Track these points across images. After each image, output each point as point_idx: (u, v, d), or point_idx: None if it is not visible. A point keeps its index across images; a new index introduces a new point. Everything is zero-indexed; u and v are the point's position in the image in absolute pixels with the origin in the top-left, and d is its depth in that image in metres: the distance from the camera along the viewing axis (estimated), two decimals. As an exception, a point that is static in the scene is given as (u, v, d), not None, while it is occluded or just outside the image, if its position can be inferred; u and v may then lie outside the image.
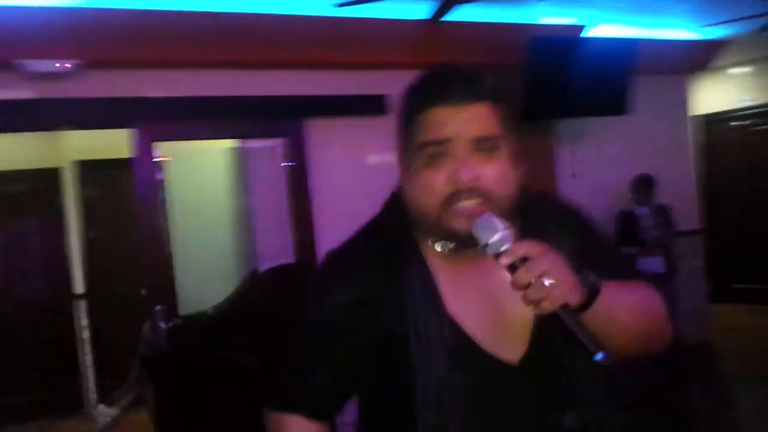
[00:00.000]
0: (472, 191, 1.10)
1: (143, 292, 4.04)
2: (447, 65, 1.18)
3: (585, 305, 1.06)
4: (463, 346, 1.15)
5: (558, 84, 4.17)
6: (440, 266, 1.19)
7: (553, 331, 1.09)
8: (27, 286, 6.11)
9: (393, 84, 4.31)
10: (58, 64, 3.29)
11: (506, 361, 1.15)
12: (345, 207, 4.03)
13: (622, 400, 1.27)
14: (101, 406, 5.25)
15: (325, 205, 4.11)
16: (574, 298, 1.03)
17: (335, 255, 1.25)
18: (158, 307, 3.82)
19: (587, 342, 1.01)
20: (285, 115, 3.98)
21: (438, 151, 1.11)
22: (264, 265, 4.24)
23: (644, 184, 5.26)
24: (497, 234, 1.05)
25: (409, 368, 1.13)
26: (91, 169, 5.81)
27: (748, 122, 7.27)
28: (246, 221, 4.27)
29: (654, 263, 5.26)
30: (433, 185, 1.11)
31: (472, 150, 1.11)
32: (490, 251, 1.05)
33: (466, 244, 1.12)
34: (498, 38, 4.28)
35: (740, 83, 7.18)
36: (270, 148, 4.13)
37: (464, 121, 1.12)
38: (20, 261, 6.09)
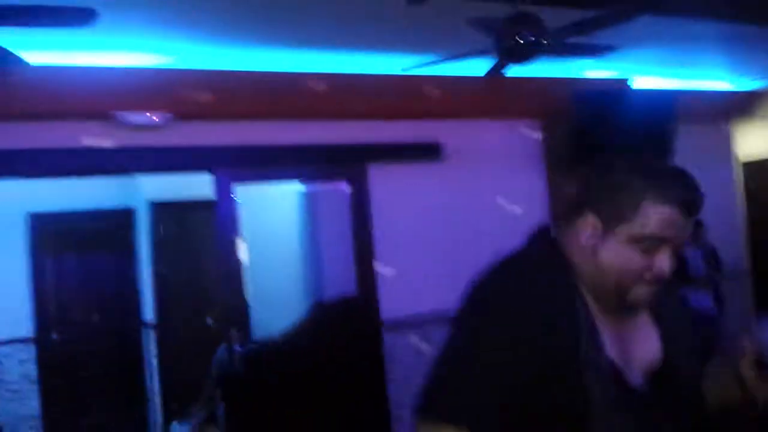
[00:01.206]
0: (660, 281, 1.25)
1: (210, 322, 4.36)
2: (679, 169, 1.29)
3: None
4: (618, 382, 1.26)
5: (603, 133, 4.43)
6: (596, 310, 1.29)
7: (670, 371, 1.31)
8: (102, 315, 6.53)
9: (447, 133, 4.67)
10: (155, 117, 3.72)
11: (636, 387, 1.28)
12: (403, 244, 4.37)
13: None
14: (175, 424, 5.56)
15: (385, 242, 4.43)
16: None
17: (499, 281, 1.30)
18: (234, 331, 4.13)
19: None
20: (349, 161, 4.34)
21: (656, 246, 1.22)
22: (329, 297, 4.57)
23: (695, 227, 5.41)
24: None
25: (576, 393, 1.21)
26: (163, 209, 6.24)
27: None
28: (313, 257, 4.62)
29: (703, 299, 5.40)
30: (636, 265, 1.23)
31: (673, 250, 1.25)
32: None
33: (631, 311, 1.30)
34: (547, 92, 4.61)
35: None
36: (336, 190, 4.48)
37: (685, 227, 1.24)
38: (96, 293, 6.53)
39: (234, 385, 4.21)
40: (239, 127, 4.16)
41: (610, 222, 1.24)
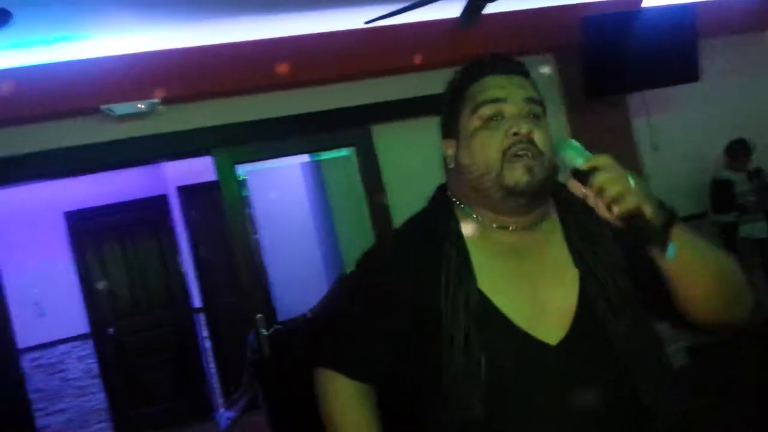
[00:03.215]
0: (528, 144, 1.18)
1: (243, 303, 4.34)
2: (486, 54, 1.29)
3: (665, 226, 1.07)
4: (494, 322, 1.16)
5: (619, 58, 4.12)
6: (478, 247, 1.23)
7: (594, 315, 1.16)
8: (152, 304, 6.67)
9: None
10: (140, 105, 3.64)
11: (543, 342, 1.15)
12: (420, 202, 4.18)
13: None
14: (222, 411, 5.67)
15: (400, 204, 4.26)
16: (648, 209, 1.05)
17: (383, 237, 1.39)
18: (259, 315, 4.09)
19: (658, 241, 1.04)
20: (352, 124, 4.17)
21: (494, 110, 1.20)
22: (350, 268, 4.46)
23: (740, 149, 5.04)
24: (572, 150, 1.11)
25: (440, 341, 1.15)
26: (191, 193, 6.26)
27: None
28: (329, 228, 4.50)
29: (756, 229, 5.06)
30: (492, 141, 1.19)
31: (523, 113, 1.21)
32: (568, 167, 1.11)
33: (522, 199, 1.18)
34: (551, 22, 4.29)
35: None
36: (343, 157, 4.33)
37: (515, 86, 1.23)
38: (143, 282, 6.66)
39: (266, 368, 4.18)
40: (234, 103, 4.04)
41: (454, 129, 1.26)
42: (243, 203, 4.07)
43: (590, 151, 1.11)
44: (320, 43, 4.01)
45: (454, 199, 1.29)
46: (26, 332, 5.44)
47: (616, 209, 1.05)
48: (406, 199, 4.25)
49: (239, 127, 4.02)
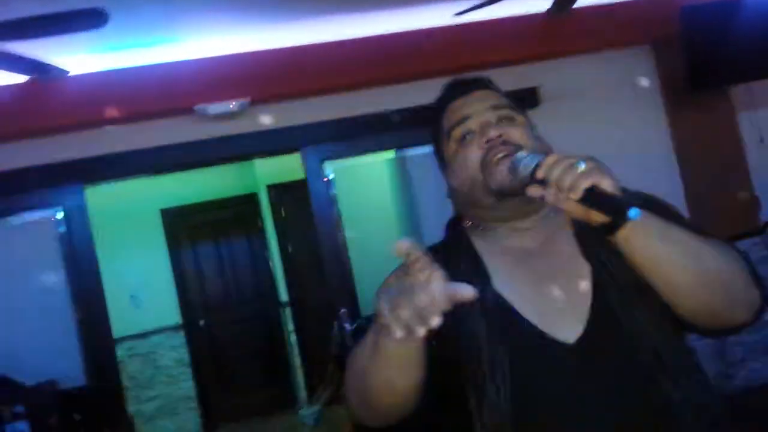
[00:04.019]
0: (504, 144, 1.21)
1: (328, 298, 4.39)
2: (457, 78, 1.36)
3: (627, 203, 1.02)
4: (518, 328, 1.16)
5: (721, 49, 3.89)
6: (493, 258, 1.25)
7: (610, 309, 1.14)
8: (241, 298, 6.87)
9: (542, 75, 4.33)
10: (232, 105, 3.72)
11: (561, 341, 1.14)
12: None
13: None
14: (305, 407, 5.76)
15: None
16: (606, 182, 1.02)
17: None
18: (343, 310, 4.13)
19: (618, 204, 1.01)
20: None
21: (463, 130, 1.26)
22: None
23: None
24: (523, 160, 1.12)
25: (461, 325, 1.15)
26: (280, 191, 6.39)
27: None
28: (413, 224, 4.48)
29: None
30: (470, 156, 1.24)
31: (492, 122, 1.25)
32: (526, 178, 1.09)
33: (515, 197, 1.17)
34: (647, 13, 4.11)
35: None
36: (428, 153, 4.29)
37: (477, 101, 1.29)
38: (233, 277, 6.87)
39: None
40: (320, 102, 4.08)
41: (440, 156, 1.34)
42: (330, 200, 4.11)
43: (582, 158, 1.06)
44: (408, 41, 3.99)
45: (467, 223, 1.34)
46: (122, 323, 5.69)
47: (573, 196, 1.02)
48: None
49: (327, 125, 4.05)
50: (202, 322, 6.70)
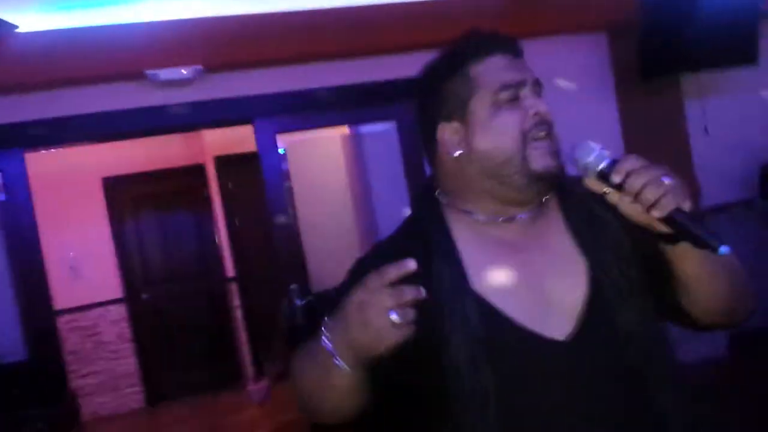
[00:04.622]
0: (547, 125, 1.14)
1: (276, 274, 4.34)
2: (478, 28, 1.22)
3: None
4: (498, 326, 1.09)
5: (676, 38, 3.96)
6: (474, 247, 1.16)
7: (605, 307, 1.10)
8: (186, 272, 6.72)
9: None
10: (184, 71, 3.60)
11: (551, 339, 1.09)
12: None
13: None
14: (251, 384, 5.70)
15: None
16: (688, 204, 1.00)
17: (373, 246, 1.29)
18: (293, 286, 4.08)
19: (710, 238, 0.98)
20: (394, 99, 4.08)
21: (513, 94, 1.14)
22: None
23: None
24: (594, 152, 1.06)
25: (441, 351, 1.08)
26: (228, 163, 6.26)
27: None
28: (366, 202, 4.45)
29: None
30: (513, 123, 1.13)
31: (537, 95, 1.17)
32: (591, 171, 1.06)
33: (545, 184, 1.14)
34: (606, 1, 4.14)
35: None
36: (384, 131, 4.26)
37: (524, 67, 1.18)
38: (178, 250, 6.71)
39: (298, 339, 4.18)
40: (275, 73, 3.98)
41: (460, 110, 1.16)
42: (281, 174, 4.03)
43: (636, 140, 1.06)
44: (368, 14, 3.91)
45: (444, 200, 1.22)
46: (62, 295, 5.52)
47: (656, 213, 0.99)
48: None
49: (281, 97, 3.97)
50: (145, 296, 6.54)
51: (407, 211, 3.94)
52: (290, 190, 4.11)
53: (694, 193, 4.60)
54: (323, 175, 4.36)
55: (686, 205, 0.99)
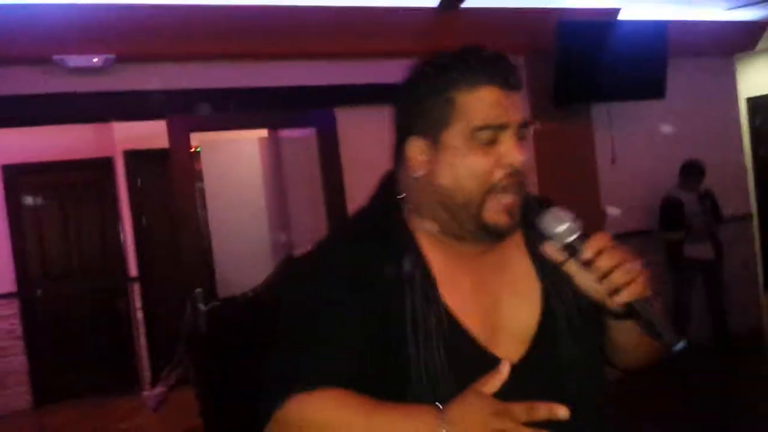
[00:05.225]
0: (517, 178, 1.07)
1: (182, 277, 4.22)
2: (478, 46, 1.10)
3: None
4: (461, 342, 1.07)
5: (589, 68, 4.12)
6: (436, 258, 1.12)
7: (555, 334, 1.10)
8: (86, 269, 6.43)
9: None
10: (95, 59, 3.45)
11: (501, 359, 1.05)
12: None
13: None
14: (149, 389, 5.49)
15: (357, 192, 4.18)
16: (647, 292, 1.00)
17: (327, 242, 1.20)
18: (198, 290, 3.96)
19: (667, 332, 0.99)
20: (316, 105, 4.06)
21: (493, 137, 1.06)
22: (299, 251, 4.36)
23: (693, 170, 5.13)
24: (565, 224, 1.03)
25: (405, 361, 1.04)
26: (139, 159, 6.05)
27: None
28: (281, 208, 4.39)
29: (701, 250, 5.16)
30: (483, 170, 1.06)
31: (517, 139, 1.08)
32: (557, 241, 1.03)
33: (496, 238, 1.10)
34: (526, 23, 4.25)
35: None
36: (302, 137, 4.22)
37: (515, 106, 1.09)
38: (79, 246, 6.42)
39: (201, 345, 4.06)
40: (193, 69, 3.87)
41: (434, 133, 1.08)
42: (194, 174, 3.92)
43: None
44: (293, 17, 3.87)
45: (408, 204, 1.16)
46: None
47: (619, 298, 1.00)
48: (363, 185, 4.21)
49: (199, 93, 3.87)
50: (39, 292, 6.21)
51: (323, 221, 3.90)
52: (202, 190, 4.00)
53: (600, 221, 4.77)
54: (238, 178, 4.27)
55: (647, 294, 1.00)
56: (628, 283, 0.99)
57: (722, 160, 5.47)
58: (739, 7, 4.76)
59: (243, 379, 4.10)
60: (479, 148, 1.06)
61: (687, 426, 4.08)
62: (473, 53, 1.09)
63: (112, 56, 3.54)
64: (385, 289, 1.07)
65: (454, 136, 1.07)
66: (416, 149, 1.10)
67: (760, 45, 5.95)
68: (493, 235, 1.10)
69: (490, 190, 1.07)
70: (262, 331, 3.86)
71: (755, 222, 6.13)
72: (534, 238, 1.14)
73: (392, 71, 4.29)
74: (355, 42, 4.04)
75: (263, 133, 4.34)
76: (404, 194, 1.16)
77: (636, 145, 5.16)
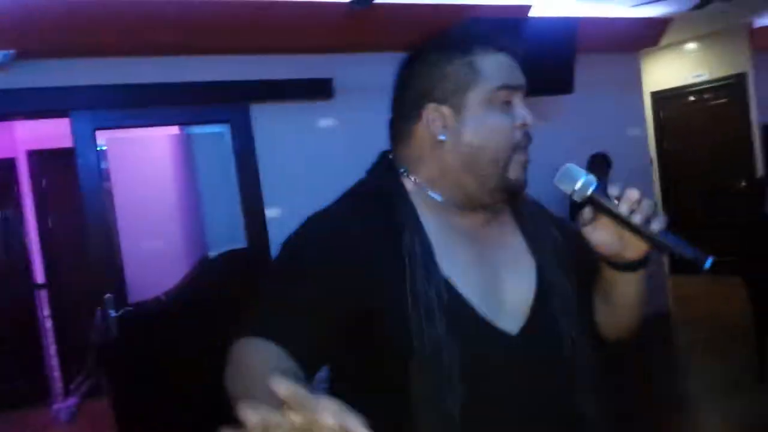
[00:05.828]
0: (529, 138, 1.16)
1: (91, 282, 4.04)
2: (487, 18, 1.20)
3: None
4: (461, 312, 1.09)
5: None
6: (437, 230, 1.14)
7: (551, 307, 1.15)
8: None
9: (334, 68, 4.35)
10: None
11: (505, 331, 1.11)
12: (295, 190, 4.04)
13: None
14: (60, 401, 5.25)
15: (274, 189, 4.12)
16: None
17: (325, 209, 1.19)
18: (108, 295, 3.81)
19: (694, 253, 1.07)
20: (229, 100, 3.96)
21: (508, 97, 1.14)
22: (215, 251, 4.26)
23: (600, 163, 5.30)
24: (582, 178, 1.11)
25: (403, 331, 1.05)
26: (43, 159, 5.78)
27: (703, 96, 7.35)
28: (194, 207, 4.27)
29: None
30: (505, 128, 1.14)
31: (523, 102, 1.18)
32: (578, 194, 1.11)
33: (509, 195, 1.17)
34: (439, 19, 4.28)
35: (691, 59, 7.27)
36: (216, 133, 4.12)
37: (521, 73, 1.17)
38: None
39: (113, 353, 3.90)
40: (99, 64, 3.72)
41: (457, 96, 1.14)
42: (100, 174, 3.76)
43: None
44: (204, 11, 3.77)
45: (409, 178, 1.19)
46: None
47: (655, 225, 1.08)
48: (279, 182, 4.15)
49: (103, 89, 3.72)
50: (-65, 301, 5.84)
51: (238, 221, 3.81)
52: (110, 191, 3.84)
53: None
54: (148, 177, 4.12)
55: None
56: (656, 214, 1.08)
57: (628, 152, 5.68)
58: (644, 4, 4.94)
59: (158, 385, 3.99)
60: (499, 108, 1.14)
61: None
62: (485, 22, 1.22)
63: (12, 52, 3.35)
64: (385, 259, 1.09)
65: (476, 97, 1.13)
66: (437, 114, 1.15)
67: (664, 41, 6.22)
68: (512, 191, 1.16)
69: (515, 147, 1.14)
70: (176, 337, 3.75)
71: (660, 210, 6.40)
72: (523, 221, 1.23)
73: (306, 66, 4.31)
74: (269, 37, 3.97)
75: (174, 129, 4.20)
76: (405, 169, 1.19)
77: (544, 139, 5.27)
